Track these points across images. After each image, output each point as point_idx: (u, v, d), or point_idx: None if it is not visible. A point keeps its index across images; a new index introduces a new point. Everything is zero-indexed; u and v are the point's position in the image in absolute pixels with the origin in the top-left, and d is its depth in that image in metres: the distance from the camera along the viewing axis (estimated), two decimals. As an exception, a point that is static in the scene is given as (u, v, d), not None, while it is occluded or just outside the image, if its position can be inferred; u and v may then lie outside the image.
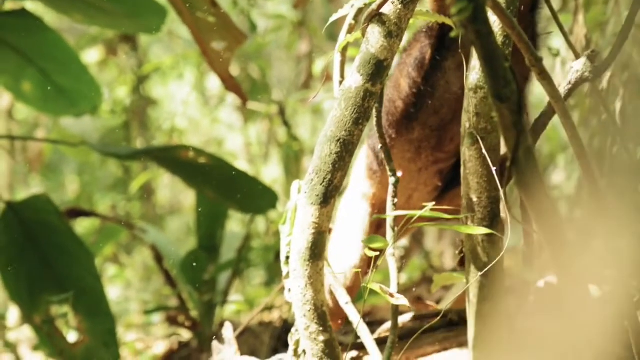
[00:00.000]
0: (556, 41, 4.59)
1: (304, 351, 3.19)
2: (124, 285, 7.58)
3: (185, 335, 5.28)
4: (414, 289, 5.19)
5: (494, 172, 2.72)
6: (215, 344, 3.55)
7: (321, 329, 2.87)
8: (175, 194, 9.96)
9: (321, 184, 2.77)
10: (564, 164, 7.23)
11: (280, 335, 4.06)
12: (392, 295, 2.58)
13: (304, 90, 6.70)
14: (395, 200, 2.95)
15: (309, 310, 2.86)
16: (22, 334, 6.72)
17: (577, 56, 2.71)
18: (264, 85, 6.83)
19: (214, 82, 7.81)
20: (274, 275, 5.88)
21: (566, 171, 7.24)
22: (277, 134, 7.13)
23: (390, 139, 3.25)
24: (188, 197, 9.67)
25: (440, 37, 3.15)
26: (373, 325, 3.37)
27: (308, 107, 6.78)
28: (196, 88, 7.80)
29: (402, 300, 2.57)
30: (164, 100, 8.30)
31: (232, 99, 7.34)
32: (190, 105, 7.98)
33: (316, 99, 6.59)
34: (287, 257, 3.38)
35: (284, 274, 3.39)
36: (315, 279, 2.84)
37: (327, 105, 6.84)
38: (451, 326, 3.37)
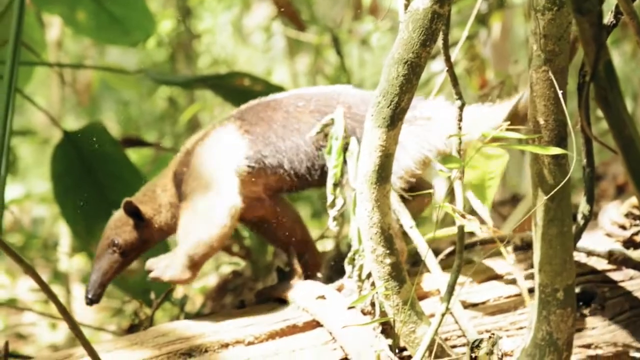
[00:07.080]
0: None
1: (368, 275, 3.20)
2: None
3: (240, 264, 5.30)
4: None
5: (561, 95, 2.69)
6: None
7: (388, 251, 2.87)
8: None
9: (388, 107, 2.76)
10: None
11: (334, 264, 4.06)
12: (463, 216, 2.57)
13: (353, 22, 6.66)
14: (462, 123, 2.94)
15: (376, 234, 2.86)
16: (71, 267, 6.81)
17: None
18: (311, 16, 6.78)
19: (257, 16, 7.76)
20: (325, 205, 5.85)
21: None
22: (325, 65, 7.08)
23: None
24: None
25: None
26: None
27: (356, 38, 6.74)
28: (237, 22, 7.75)
29: (473, 222, 2.55)
30: (210, 33, 8.24)
31: (279, 29, 7.29)
32: (235, 38, 7.95)
33: (364, 31, 6.55)
34: (335, 185, 3.39)
35: (329, 202, 3.40)
36: (382, 202, 2.83)
37: (375, 38, 6.79)
38: (515, 250, 3.37)
